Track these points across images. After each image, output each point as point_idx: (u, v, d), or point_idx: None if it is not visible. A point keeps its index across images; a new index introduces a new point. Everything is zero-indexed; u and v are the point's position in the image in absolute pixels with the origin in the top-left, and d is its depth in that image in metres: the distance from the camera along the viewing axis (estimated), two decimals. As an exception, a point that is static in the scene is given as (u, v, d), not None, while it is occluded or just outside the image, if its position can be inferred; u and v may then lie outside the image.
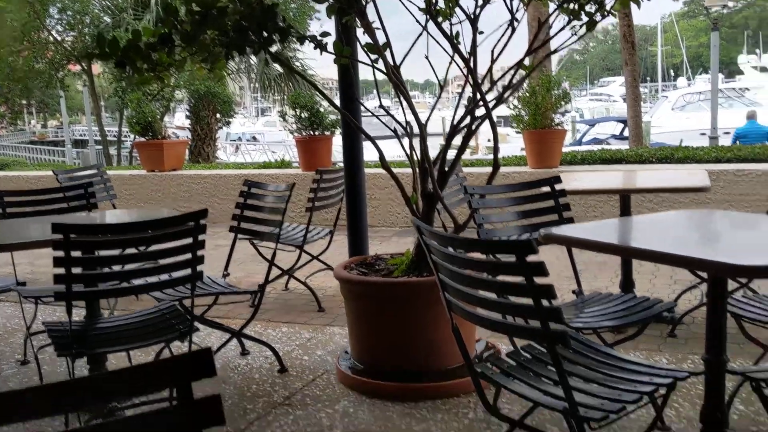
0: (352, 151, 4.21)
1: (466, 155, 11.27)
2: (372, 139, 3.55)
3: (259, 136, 26.31)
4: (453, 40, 3.24)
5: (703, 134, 15.73)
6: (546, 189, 3.35)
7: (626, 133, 13.61)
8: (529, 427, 2.35)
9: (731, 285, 3.61)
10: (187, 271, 2.73)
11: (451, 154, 3.50)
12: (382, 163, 3.43)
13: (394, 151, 4.47)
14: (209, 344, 3.81)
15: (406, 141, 3.40)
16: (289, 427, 2.96)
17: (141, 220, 2.86)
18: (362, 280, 3.46)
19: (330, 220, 4.87)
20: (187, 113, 12.67)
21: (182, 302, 3.21)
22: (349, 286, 3.51)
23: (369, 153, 7.06)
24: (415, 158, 3.40)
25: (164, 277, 2.76)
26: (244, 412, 3.13)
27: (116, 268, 2.91)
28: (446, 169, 3.47)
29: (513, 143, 16.16)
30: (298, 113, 7.80)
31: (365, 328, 3.49)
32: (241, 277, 5.30)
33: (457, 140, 3.47)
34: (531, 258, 1.82)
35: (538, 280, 1.82)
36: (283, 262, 4.64)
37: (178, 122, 25.18)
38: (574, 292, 3.18)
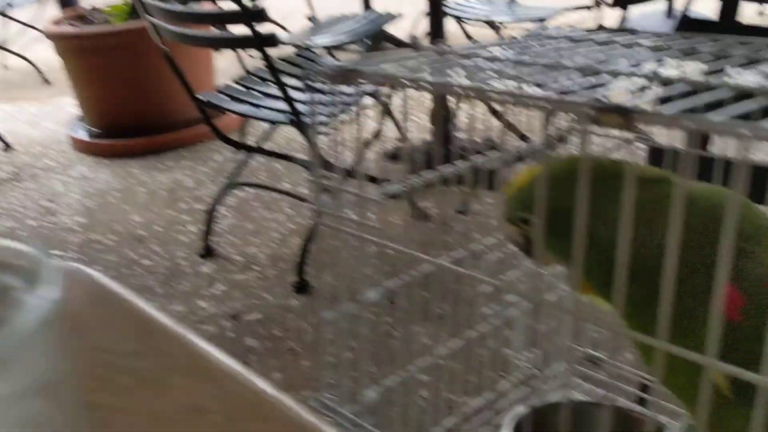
0: None
1: None
2: None
3: None
4: None
5: None
6: None
7: None
8: (269, 152, 2.31)
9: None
10: None
11: None
12: None
13: None
14: None
15: None
16: (19, 201, 2.69)
17: None
18: (79, 33, 3.06)
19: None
20: None
21: None
22: (65, 43, 3.09)
23: None
24: None
25: None
26: (-39, 197, 2.79)
27: None
28: None
29: None
30: None
31: (94, 89, 3.16)
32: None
33: None
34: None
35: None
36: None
37: None
38: (309, 18, 3.06)
